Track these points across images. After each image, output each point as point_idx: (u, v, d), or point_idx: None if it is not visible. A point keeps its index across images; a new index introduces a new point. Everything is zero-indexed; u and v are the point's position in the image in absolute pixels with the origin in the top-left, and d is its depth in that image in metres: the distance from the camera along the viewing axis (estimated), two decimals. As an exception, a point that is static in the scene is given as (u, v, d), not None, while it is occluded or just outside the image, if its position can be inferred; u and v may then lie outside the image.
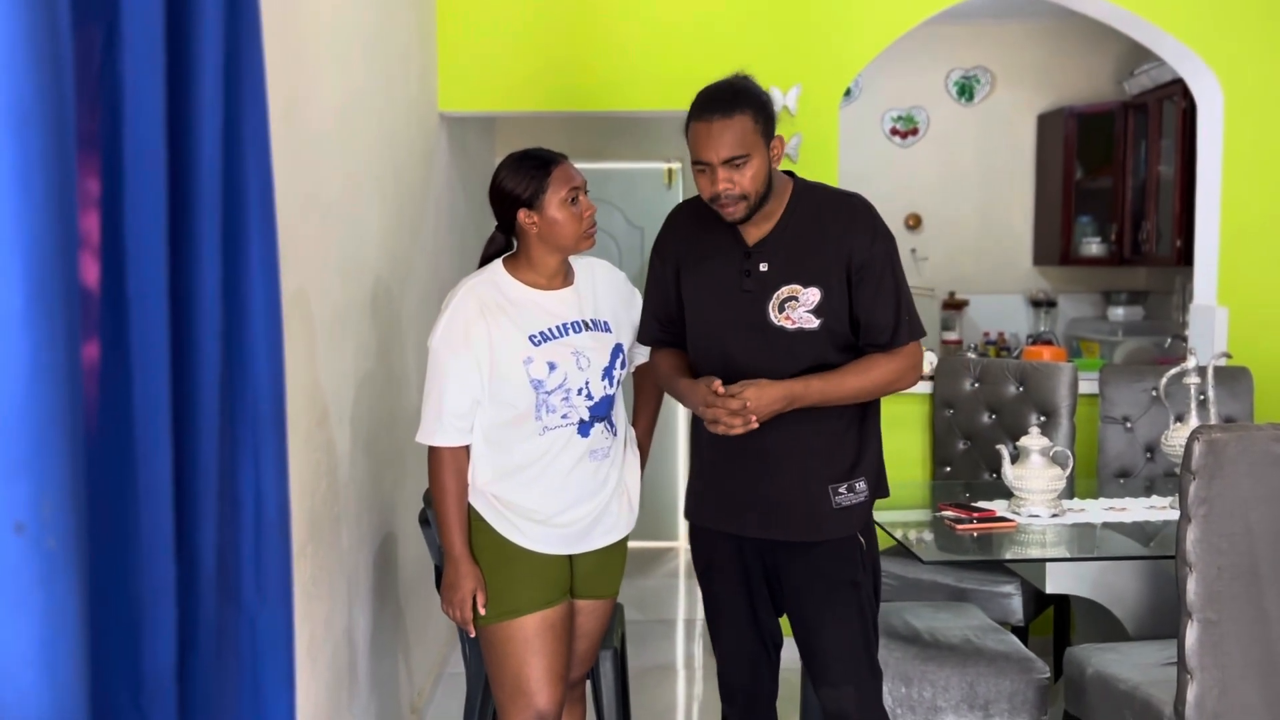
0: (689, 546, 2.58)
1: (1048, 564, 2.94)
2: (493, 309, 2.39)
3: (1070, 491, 3.42)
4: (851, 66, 4.15)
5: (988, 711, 2.77)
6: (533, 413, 2.39)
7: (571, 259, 2.52)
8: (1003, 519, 3.04)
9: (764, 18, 4.10)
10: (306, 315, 2.38)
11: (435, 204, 4.03)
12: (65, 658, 1.04)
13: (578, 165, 2.52)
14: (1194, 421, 3.21)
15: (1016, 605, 3.47)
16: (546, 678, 2.42)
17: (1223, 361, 3.51)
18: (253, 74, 1.49)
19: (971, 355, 5.49)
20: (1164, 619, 2.93)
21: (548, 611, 2.43)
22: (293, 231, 2.24)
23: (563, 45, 4.10)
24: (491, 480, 2.42)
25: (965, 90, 6.42)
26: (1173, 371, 3.37)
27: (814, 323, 2.30)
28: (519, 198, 2.39)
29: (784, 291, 2.31)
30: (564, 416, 2.40)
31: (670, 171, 6.00)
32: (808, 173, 2.57)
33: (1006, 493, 3.20)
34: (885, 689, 2.77)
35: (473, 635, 2.50)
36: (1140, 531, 3.02)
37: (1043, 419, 3.81)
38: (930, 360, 4.21)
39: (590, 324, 2.46)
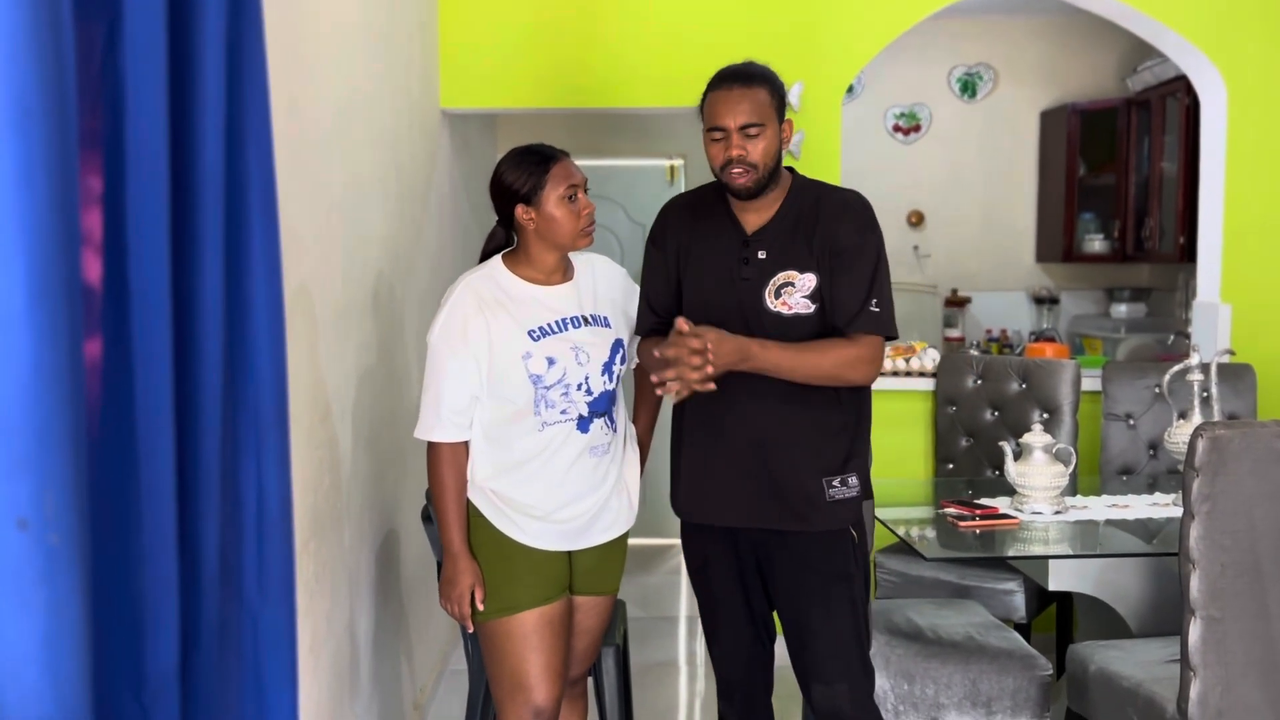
0: (682, 543, 2.58)
1: (1050, 561, 2.93)
2: (491, 304, 2.39)
3: (1073, 489, 3.41)
4: (854, 63, 4.15)
5: (990, 709, 2.77)
6: (532, 408, 2.39)
7: (572, 255, 2.51)
8: (1005, 516, 3.04)
9: (766, 14, 4.09)
10: (309, 312, 2.38)
11: (437, 201, 4.02)
12: (68, 655, 1.04)
13: (579, 162, 2.52)
14: (1197, 418, 3.21)
15: (1019, 602, 3.47)
16: (545, 674, 2.42)
17: (1226, 358, 3.50)
18: (254, 70, 1.49)
19: (974, 352, 5.50)
20: (1167, 616, 2.93)
21: (546, 608, 2.43)
22: (295, 228, 2.24)
23: (564, 42, 4.10)
24: (490, 476, 2.42)
25: (968, 87, 6.41)
26: (1176, 368, 3.37)
27: (810, 308, 2.34)
28: (517, 193, 2.40)
29: (780, 277, 2.35)
30: (563, 412, 2.40)
31: (672, 168, 5.99)
32: (810, 169, 2.58)
33: (1009, 490, 3.20)
34: (888, 686, 2.77)
35: (470, 630, 2.51)
36: (1143, 529, 3.02)
37: (1045, 416, 3.81)
38: (933, 357, 4.20)
39: (590, 319, 2.46)
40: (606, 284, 2.55)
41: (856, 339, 2.32)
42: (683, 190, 5.88)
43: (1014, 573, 3.48)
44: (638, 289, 2.64)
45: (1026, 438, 3.12)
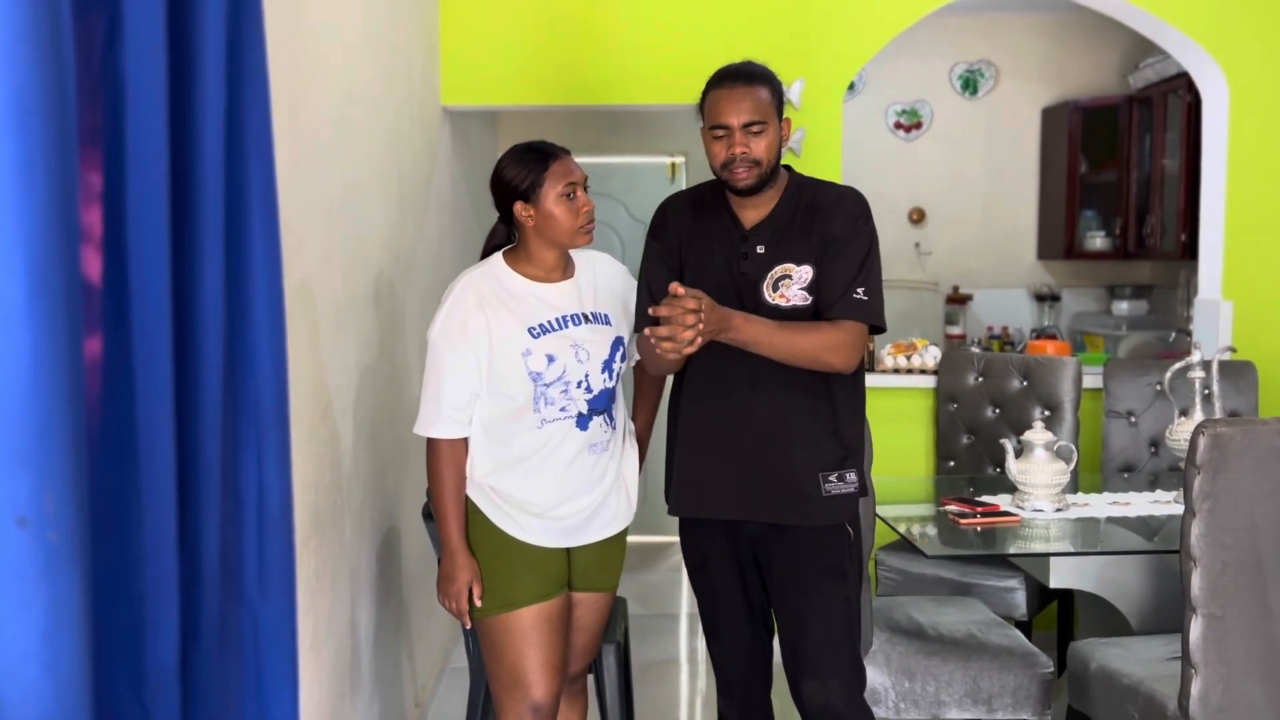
0: (680, 542, 2.58)
1: (1051, 558, 2.93)
2: (492, 301, 2.39)
3: (1074, 486, 3.41)
4: (855, 60, 4.14)
5: (991, 706, 2.77)
6: (531, 405, 2.39)
7: (573, 252, 2.51)
8: (1006, 513, 3.04)
9: (768, 11, 4.09)
10: (310, 309, 2.38)
11: (438, 198, 4.02)
12: (68, 652, 1.04)
13: (580, 159, 2.52)
14: (1198, 416, 3.21)
15: (1020, 600, 3.47)
16: (543, 670, 2.42)
17: (1227, 356, 3.50)
18: (255, 67, 1.49)
19: (975, 350, 5.49)
20: (1168, 614, 2.93)
21: (545, 604, 2.44)
22: (295, 225, 2.24)
23: (565, 39, 4.10)
24: (489, 473, 2.43)
25: (969, 84, 6.41)
26: (1177, 366, 3.36)
27: (807, 300, 2.36)
28: (516, 189, 2.40)
29: (778, 270, 2.37)
30: (562, 409, 2.40)
31: (673, 165, 5.99)
32: (811, 166, 2.58)
33: (1010, 487, 3.20)
34: (889, 683, 2.77)
35: (468, 626, 2.51)
36: (1144, 526, 3.01)
37: (1046, 413, 3.80)
38: (934, 355, 4.20)
39: (590, 317, 2.46)
40: (607, 282, 2.55)
41: (838, 324, 2.33)
42: (683, 186, 5.93)
43: (1015, 570, 3.48)
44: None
45: (1028, 435, 3.12)
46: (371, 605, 2.91)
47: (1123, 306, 6.23)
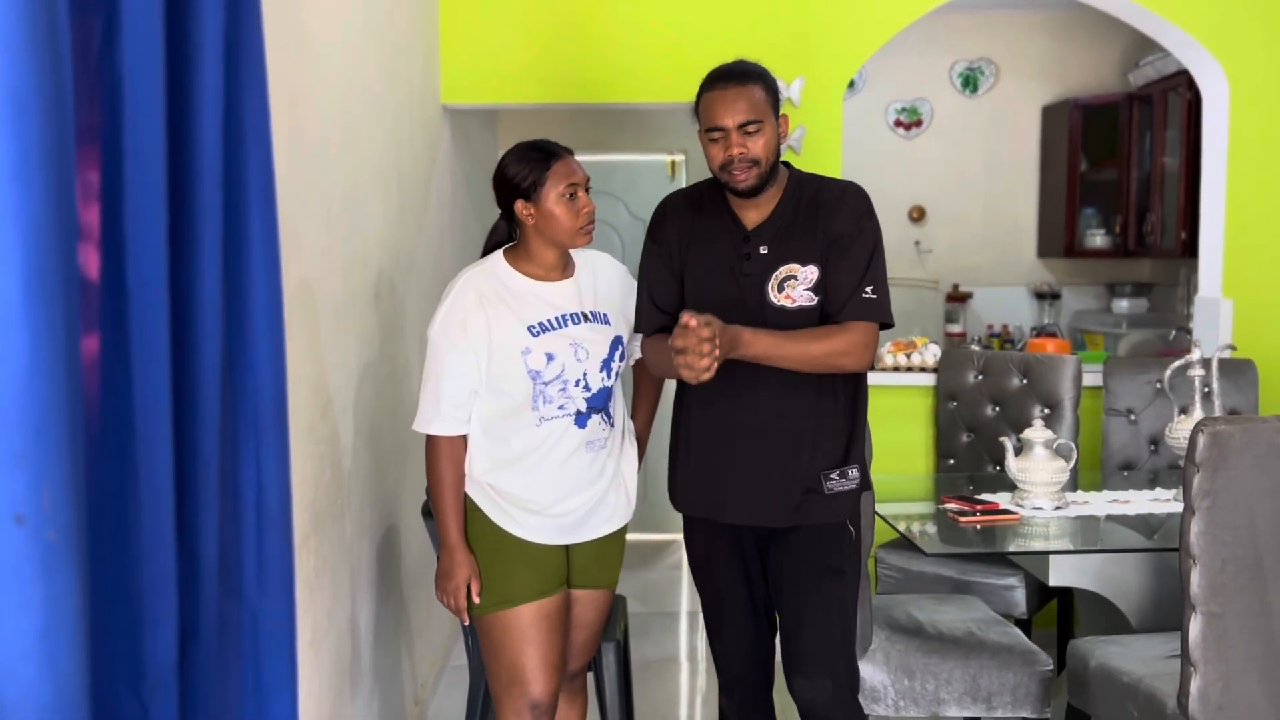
0: (684, 540, 2.58)
1: (1051, 556, 2.93)
2: (492, 299, 2.39)
3: (1074, 484, 3.41)
4: (855, 58, 4.14)
5: (990, 704, 2.77)
6: (530, 403, 2.39)
7: (573, 252, 2.51)
8: (1006, 511, 3.03)
9: (768, 9, 4.09)
10: (310, 307, 2.38)
11: (438, 196, 4.02)
12: (66, 650, 1.04)
13: (580, 157, 2.52)
14: (1198, 414, 3.21)
15: (1020, 598, 3.47)
16: (542, 667, 2.43)
17: (1227, 354, 3.50)
18: (253, 65, 1.49)
19: (975, 348, 5.49)
20: (1168, 612, 2.93)
21: (543, 601, 2.44)
22: (295, 224, 2.23)
23: (565, 37, 4.10)
24: (488, 470, 2.43)
25: (969, 82, 6.40)
26: (1177, 364, 3.36)
27: (813, 300, 2.34)
28: (518, 188, 2.40)
29: (783, 271, 2.35)
30: (561, 407, 2.41)
31: (673, 164, 5.99)
32: (811, 164, 2.58)
33: (1010, 485, 3.20)
34: (888, 681, 2.77)
35: (467, 623, 2.51)
36: (1144, 524, 3.01)
37: (1046, 411, 3.80)
38: (934, 352, 4.20)
39: (590, 316, 2.46)
40: (607, 281, 2.55)
41: (848, 326, 2.32)
42: (683, 184, 5.93)
43: (1015, 568, 3.48)
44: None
45: (1027, 433, 3.12)
46: (371, 603, 2.91)
47: (1123, 304, 6.23)
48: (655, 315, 2.47)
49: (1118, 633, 2.97)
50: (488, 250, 2.54)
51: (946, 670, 2.77)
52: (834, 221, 2.35)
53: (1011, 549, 2.98)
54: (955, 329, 6.33)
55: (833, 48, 4.10)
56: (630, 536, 2.67)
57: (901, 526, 3.00)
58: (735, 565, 2.46)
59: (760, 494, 2.38)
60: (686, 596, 5.22)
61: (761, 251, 2.37)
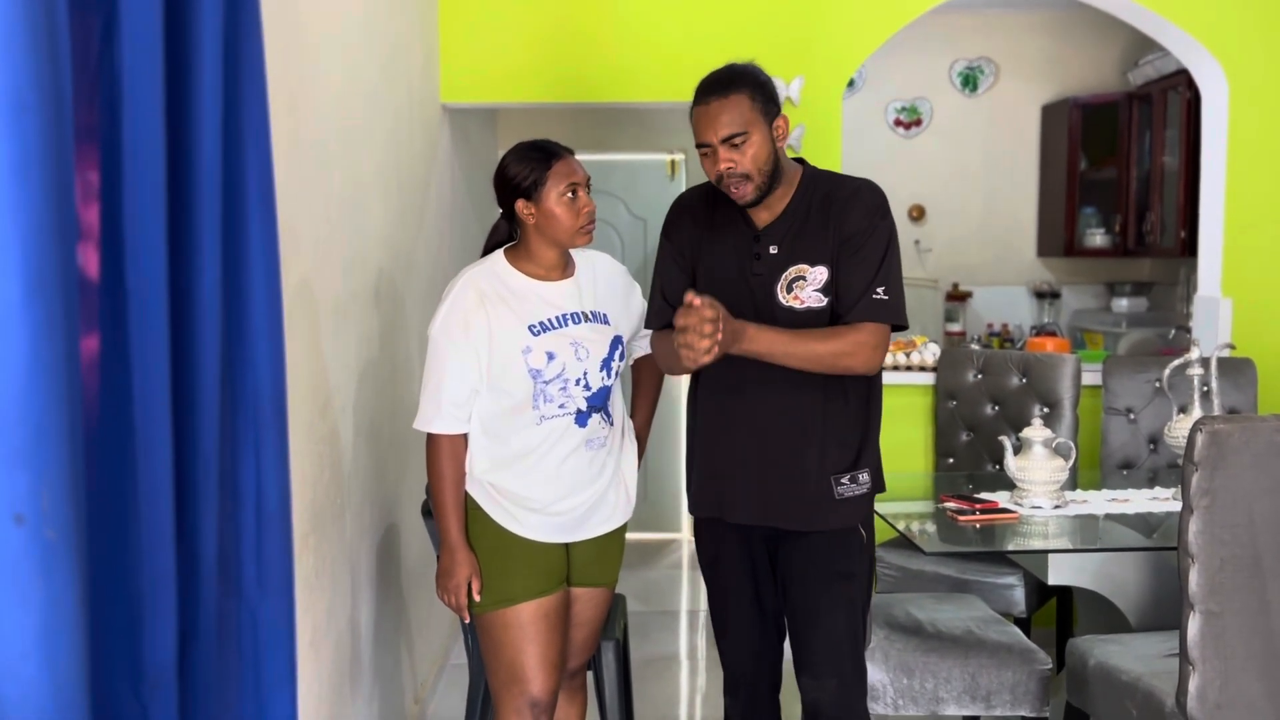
0: (693, 539, 2.57)
1: (1050, 555, 2.93)
2: (493, 299, 2.40)
3: (1073, 483, 3.41)
4: (855, 57, 4.14)
5: (989, 703, 2.77)
6: (530, 402, 2.40)
7: (573, 251, 2.52)
8: (1005, 510, 3.04)
9: (767, 8, 4.09)
10: (310, 306, 2.38)
11: (437, 195, 4.02)
12: (65, 649, 1.05)
13: (580, 157, 2.52)
14: (1197, 413, 3.21)
15: (1019, 597, 3.47)
16: (541, 665, 2.43)
17: (1226, 353, 3.50)
18: (252, 64, 1.49)
19: (975, 347, 5.49)
20: (1166, 610, 2.93)
21: (543, 600, 2.44)
22: (295, 223, 2.24)
23: (565, 36, 4.10)
24: (488, 469, 2.43)
25: (969, 81, 6.41)
26: (1176, 363, 3.36)
27: (822, 301, 2.31)
28: (518, 187, 2.40)
29: (792, 271, 2.32)
30: (561, 406, 2.41)
31: (673, 163, 5.99)
32: (810, 163, 2.56)
33: (1009, 484, 3.20)
34: (887, 680, 2.77)
35: (467, 621, 2.52)
36: (1143, 523, 3.02)
37: (1046, 410, 3.80)
38: (933, 352, 4.20)
39: (590, 315, 2.46)
40: (607, 282, 2.55)
41: (857, 327, 2.28)
42: (683, 185, 5.93)
43: (1014, 567, 3.48)
44: (638, 287, 2.64)
45: (1026, 432, 3.12)
46: (371, 602, 2.92)
47: (1122, 303, 6.24)
48: (666, 310, 2.47)
49: (1117, 631, 2.97)
50: (488, 250, 2.54)
51: (945, 669, 2.78)
52: (846, 220, 2.31)
53: (1010, 548, 2.98)
54: (955, 328, 6.33)
55: (832, 47, 4.10)
56: (630, 535, 2.67)
57: (901, 525, 3.00)
58: (743, 565, 2.46)
59: (767, 495, 2.37)
60: (686, 595, 5.22)
61: (771, 251, 2.34)
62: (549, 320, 2.41)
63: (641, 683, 3.74)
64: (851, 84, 6.13)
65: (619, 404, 2.56)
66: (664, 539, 5.99)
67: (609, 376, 2.47)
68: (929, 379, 4.15)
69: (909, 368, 4.19)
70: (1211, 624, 2.28)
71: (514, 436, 2.42)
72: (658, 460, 5.92)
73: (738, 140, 2.24)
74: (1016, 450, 3.13)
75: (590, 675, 2.83)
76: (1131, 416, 3.87)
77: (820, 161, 3.91)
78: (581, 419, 2.43)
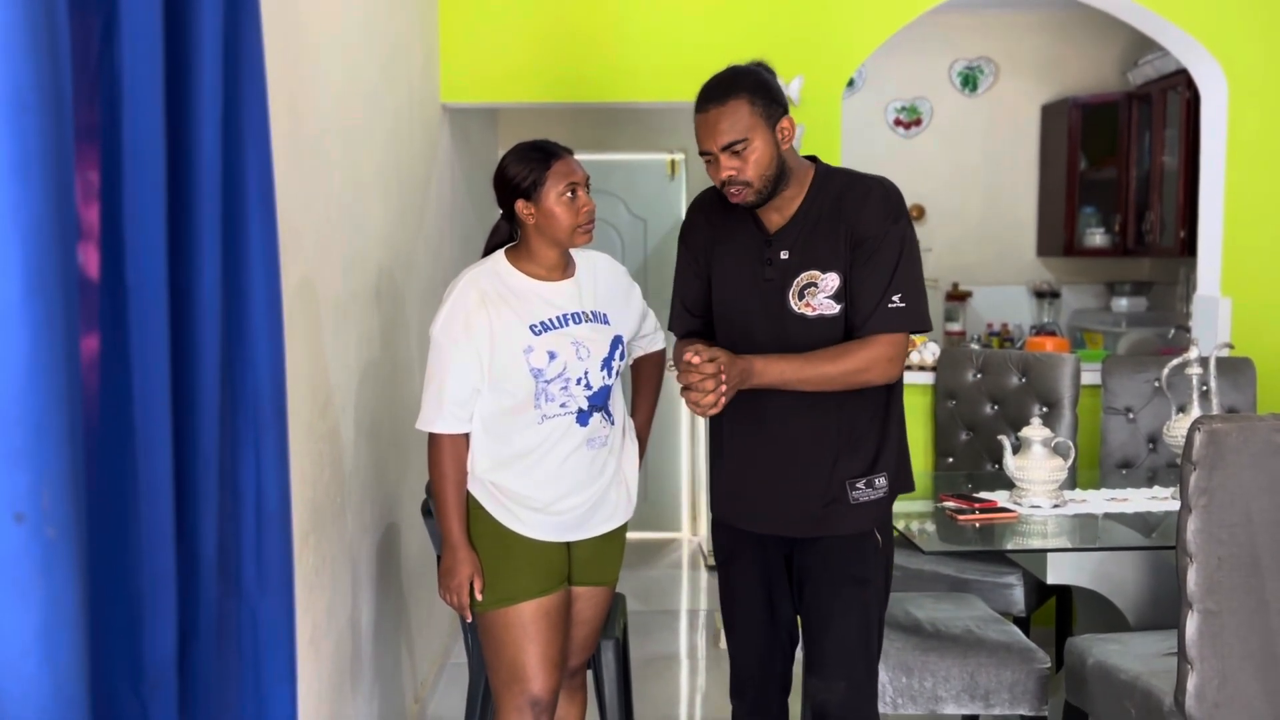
0: (710, 537, 2.57)
1: (1049, 555, 2.94)
2: (494, 299, 2.40)
3: (1072, 482, 3.42)
4: (854, 57, 4.15)
5: (988, 701, 2.78)
6: (532, 401, 2.40)
7: (574, 252, 2.52)
8: (1004, 510, 3.04)
9: (767, 8, 4.09)
10: (310, 306, 2.39)
11: (437, 194, 4.03)
12: (65, 647, 1.05)
13: (580, 156, 2.52)
14: (1196, 412, 3.21)
15: (1018, 596, 3.48)
16: (542, 664, 2.43)
17: (1225, 352, 3.50)
18: (252, 64, 1.49)
19: (974, 346, 5.50)
20: (1165, 609, 2.93)
21: (544, 599, 2.45)
22: (295, 223, 2.24)
23: (565, 36, 4.10)
24: (490, 468, 2.44)
25: (969, 81, 6.41)
26: (1175, 362, 3.37)
27: (834, 309, 2.27)
28: (518, 187, 2.41)
29: (804, 278, 2.28)
30: (563, 405, 2.42)
31: (673, 163, 5.99)
32: (809, 164, 2.56)
33: (1008, 483, 3.20)
34: (886, 679, 2.78)
35: (469, 620, 2.52)
36: (1142, 522, 3.02)
37: (1045, 410, 3.81)
38: (933, 351, 4.20)
39: (590, 315, 2.47)
40: (607, 282, 2.55)
41: (871, 340, 2.23)
42: (683, 184, 5.94)
43: (1013, 566, 3.48)
44: (637, 288, 2.65)
45: (1025, 431, 3.12)
46: (371, 601, 2.92)
47: (1122, 303, 6.24)
48: (686, 318, 2.47)
49: (1115, 630, 2.98)
50: (489, 250, 2.55)
51: (945, 668, 2.78)
52: (857, 224, 2.25)
53: (1010, 547, 2.98)
54: (955, 327, 6.34)
55: (832, 47, 4.10)
56: (630, 535, 2.68)
57: (900, 525, 3.00)
58: (756, 568, 2.44)
59: (783, 503, 2.35)
60: (686, 595, 5.23)
61: (783, 257, 2.30)
62: (550, 320, 2.42)
63: (641, 682, 3.75)
64: (851, 84, 6.13)
65: (620, 403, 2.56)
66: (664, 538, 5.99)
67: (610, 376, 2.48)
68: (928, 378, 4.15)
69: (908, 367, 4.19)
70: (1209, 623, 2.28)
71: (516, 436, 2.42)
72: (658, 460, 5.92)
73: (738, 147, 2.21)
74: (1016, 450, 3.14)
75: (590, 674, 2.83)
76: (1130, 416, 3.88)
77: (820, 161, 3.93)
78: (583, 418, 2.44)
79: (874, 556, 2.36)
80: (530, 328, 2.40)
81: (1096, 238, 6.14)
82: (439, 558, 2.53)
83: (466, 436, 2.44)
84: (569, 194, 2.40)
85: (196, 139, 1.39)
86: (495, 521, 2.45)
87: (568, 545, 2.50)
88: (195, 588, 1.43)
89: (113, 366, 1.28)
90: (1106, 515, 3.06)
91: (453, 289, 2.44)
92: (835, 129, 4.11)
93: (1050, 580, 2.98)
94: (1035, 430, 3.11)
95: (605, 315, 2.50)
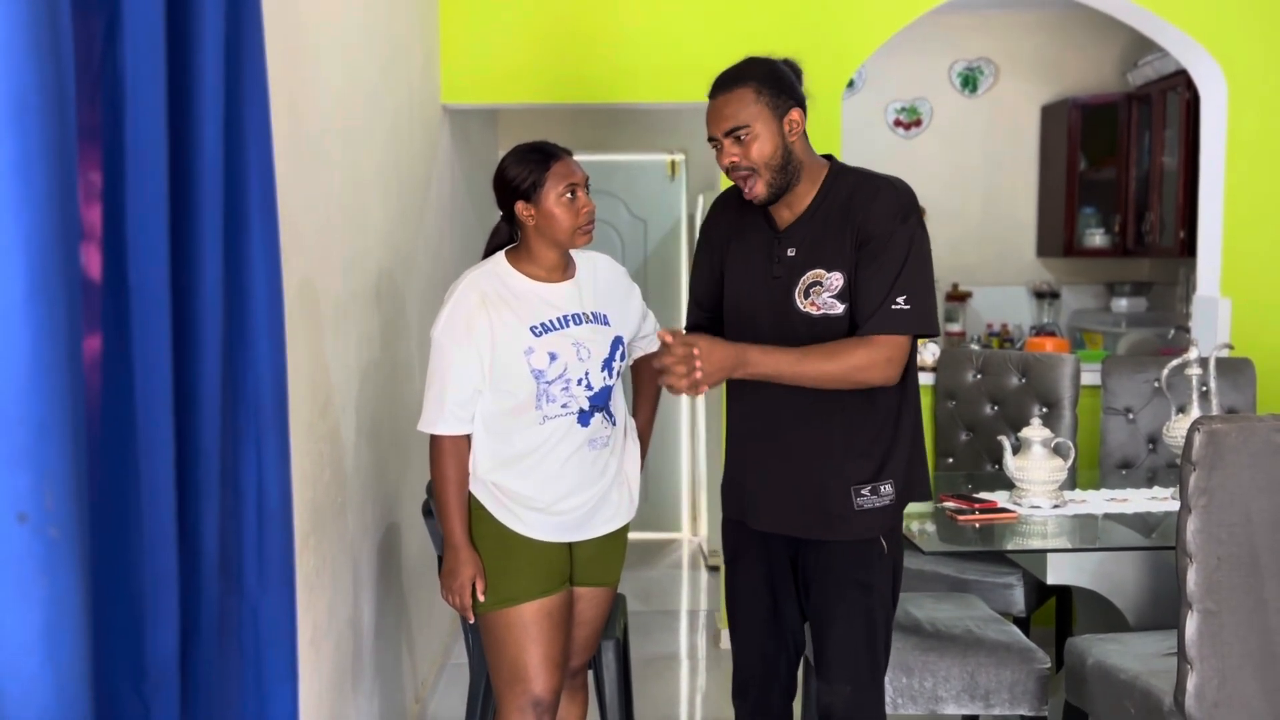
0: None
1: (1049, 555, 2.94)
2: (494, 300, 2.41)
3: (1072, 483, 3.42)
4: (854, 58, 4.15)
5: (988, 701, 2.78)
6: (533, 402, 2.41)
7: (574, 253, 2.53)
8: (1004, 510, 3.04)
9: (766, 8, 4.10)
10: (311, 305, 2.39)
11: (437, 195, 4.03)
12: (68, 646, 1.05)
13: (580, 157, 2.53)
14: (1195, 413, 3.22)
15: (1018, 596, 3.48)
16: (544, 665, 2.44)
17: (1225, 353, 3.50)
18: (254, 65, 1.50)
19: (974, 347, 5.50)
20: (1165, 609, 2.93)
21: (546, 599, 2.45)
22: (296, 223, 2.24)
23: (565, 37, 4.10)
24: (491, 469, 2.44)
25: (969, 81, 6.41)
26: (1175, 363, 3.37)
27: (839, 308, 2.26)
28: (518, 189, 2.42)
29: (809, 276, 2.28)
30: (564, 406, 2.42)
31: (673, 164, 5.99)
32: (809, 164, 2.56)
33: (1008, 484, 3.21)
34: (886, 679, 2.77)
35: (471, 621, 2.53)
36: (1141, 522, 3.02)
37: (1045, 410, 3.81)
38: (933, 352, 4.21)
39: (591, 316, 2.48)
40: (607, 283, 2.56)
41: (871, 340, 2.20)
42: (684, 185, 5.94)
43: (1013, 567, 3.48)
44: (637, 288, 2.66)
45: (1025, 432, 3.12)
46: (372, 601, 2.92)
47: (1122, 304, 6.24)
48: (695, 312, 2.50)
49: (1115, 630, 2.98)
50: (489, 252, 2.55)
51: (944, 668, 2.78)
52: (864, 223, 2.23)
53: (1009, 547, 2.98)
54: (955, 328, 6.34)
55: (832, 47, 4.10)
56: (630, 535, 2.68)
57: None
58: (761, 567, 2.44)
59: (786, 504, 2.35)
60: (687, 595, 5.23)
61: (790, 254, 2.30)
62: (550, 321, 2.42)
63: (641, 682, 3.75)
64: (851, 84, 6.13)
65: (621, 404, 2.57)
66: (664, 539, 5.99)
67: (610, 376, 2.48)
68: (928, 379, 4.15)
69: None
70: (1209, 623, 2.29)
71: (517, 436, 2.43)
72: (658, 460, 5.92)
73: (741, 134, 2.22)
74: (1015, 450, 3.14)
75: (590, 674, 2.84)
76: (1130, 416, 3.88)
77: (820, 162, 3.94)
78: (584, 419, 2.44)
79: (878, 562, 2.34)
80: (531, 329, 2.40)
81: (1096, 238, 6.14)
82: (440, 558, 2.53)
83: (468, 438, 2.45)
84: (568, 195, 2.41)
85: (198, 140, 1.39)
86: (497, 522, 2.45)
87: (569, 546, 2.51)
88: (197, 587, 1.43)
89: (115, 367, 1.28)
90: (1106, 515, 3.07)
91: (453, 291, 2.44)
92: (835, 130, 4.12)
93: (1050, 580, 2.98)
94: (1035, 431, 3.11)
95: (605, 316, 2.50)
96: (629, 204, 5.99)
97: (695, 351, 2.11)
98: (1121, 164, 5.99)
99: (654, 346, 2.74)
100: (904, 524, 3.00)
